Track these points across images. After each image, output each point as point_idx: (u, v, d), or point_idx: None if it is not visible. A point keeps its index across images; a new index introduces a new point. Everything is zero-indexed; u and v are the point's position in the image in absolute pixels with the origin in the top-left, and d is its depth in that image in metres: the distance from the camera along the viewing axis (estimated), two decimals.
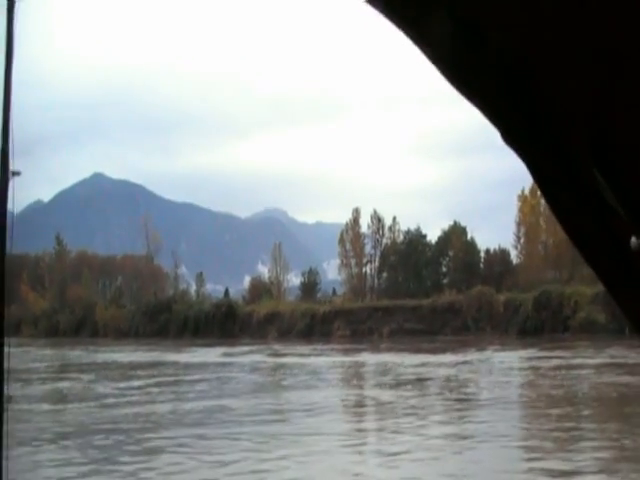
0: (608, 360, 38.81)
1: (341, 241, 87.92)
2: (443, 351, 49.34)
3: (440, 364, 40.10)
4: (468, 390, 29.20)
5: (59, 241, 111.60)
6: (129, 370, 42.17)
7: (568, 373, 33.31)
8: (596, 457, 15.84)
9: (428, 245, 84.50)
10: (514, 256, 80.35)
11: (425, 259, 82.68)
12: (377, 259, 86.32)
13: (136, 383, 33.93)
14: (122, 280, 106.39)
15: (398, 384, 31.54)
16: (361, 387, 32.94)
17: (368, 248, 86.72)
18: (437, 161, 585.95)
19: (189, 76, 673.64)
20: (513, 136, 0.97)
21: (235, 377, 36.19)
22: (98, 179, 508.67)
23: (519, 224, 78.76)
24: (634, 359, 37.73)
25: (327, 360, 45.96)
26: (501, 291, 69.76)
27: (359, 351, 52.90)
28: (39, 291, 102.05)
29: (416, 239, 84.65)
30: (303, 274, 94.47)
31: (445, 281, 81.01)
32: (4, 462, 5.64)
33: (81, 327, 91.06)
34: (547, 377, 32.63)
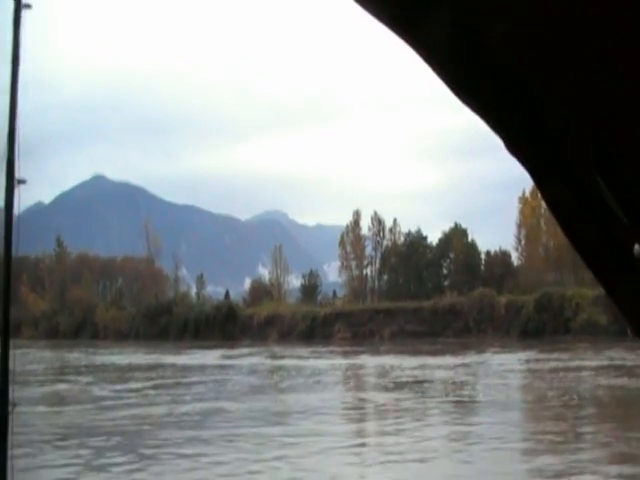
0: (606, 362, 38.81)
1: (342, 243, 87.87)
2: (443, 353, 49.29)
3: (438, 366, 40.11)
4: (464, 392, 29.24)
5: (59, 243, 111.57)
6: (127, 372, 42.16)
7: (565, 375, 33.33)
8: (587, 459, 15.93)
9: (429, 247, 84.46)
10: (515, 258, 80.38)
11: (426, 261, 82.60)
12: (378, 261, 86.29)
13: (133, 385, 33.91)
14: (122, 282, 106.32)
15: (395, 387, 31.63)
16: (358, 389, 33.07)
17: (369, 250, 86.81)
18: (438, 163, 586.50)
19: (189, 78, 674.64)
20: (516, 145, 0.96)
21: (232, 379, 36.18)
22: (99, 181, 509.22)
23: (520, 226, 78.72)
24: (632, 361, 37.79)
25: (326, 362, 45.90)
26: (502, 293, 69.67)
27: (358, 353, 52.84)
28: (39, 293, 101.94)
29: (417, 241, 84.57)
30: (303, 276, 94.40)
31: (446, 283, 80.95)
32: (9, 462, 5.70)
33: (81, 329, 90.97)
34: (544, 379, 32.70)
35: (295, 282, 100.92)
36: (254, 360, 48.98)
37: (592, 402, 25.72)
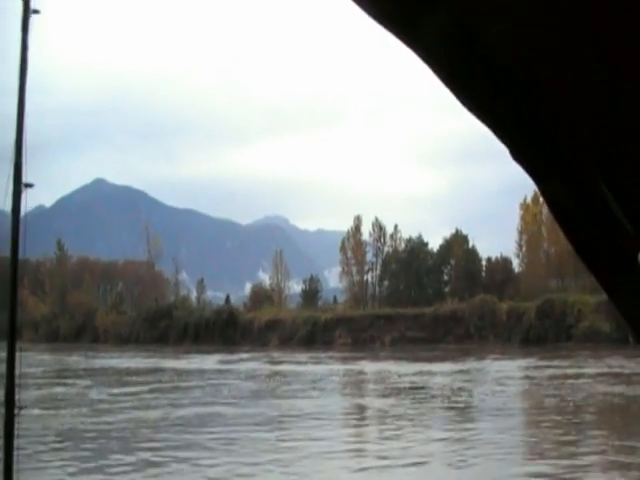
0: (605, 370, 38.82)
1: (342, 249, 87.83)
2: (442, 360, 49.26)
3: (437, 373, 40.15)
4: (459, 399, 29.29)
5: (60, 246, 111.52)
6: (125, 376, 42.23)
7: (563, 383, 33.35)
8: (578, 465, 16.02)
9: (430, 253, 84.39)
10: (516, 264, 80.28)
11: (426, 267, 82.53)
12: (378, 267, 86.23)
13: (131, 389, 33.97)
14: (123, 286, 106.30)
15: (391, 393, 31.78)
16: (354, 395, 33.21)
17: (369, 256, 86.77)
18: (439, 169, 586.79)
19: (191, 83, 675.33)
20: (516, 146, 0.95)
21: (230, 384, 36.25)
22: (99, 185, 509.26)
23: (521, 232, 78.63)
24: (631, 369, 37.80)
25: (324, 368, 45.89)
26: (503, 299, 69.58)
27: (358, 359, 52.81)
28: (40, 296, 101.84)
29: (418, 247, 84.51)
30: (304, 281, 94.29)
31: (446, 289, 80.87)
32: (14, 465, 5.68)
33: (81, 332, 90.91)
34: (541, 387, 32.79)
35: (296, 287, 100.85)
36: (252, 365, 48.99)
37: (587, 410, 25.73)
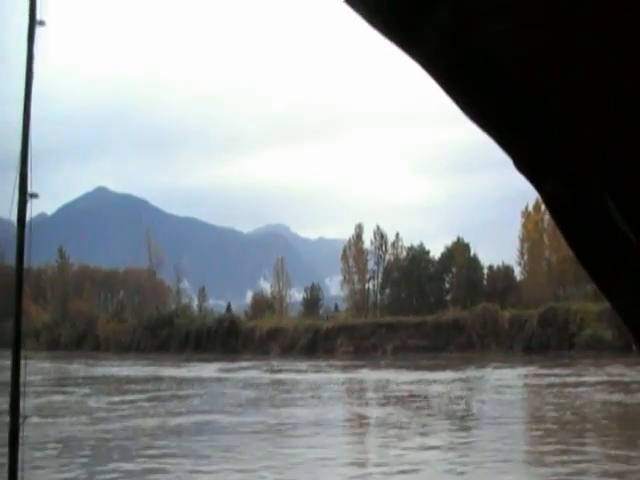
0: (605, 378, 38.80)
1: (344, 257, 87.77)
2: (443, 368, 49.21)
3: (436, 381, 40.14)
4: (456, 407, 29.36)
5: (61, 254, 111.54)
6: (124, 384, 42.29)
7: (561, 391, 33.36)
8: (567, 472, 16.14)
9: (431, 261, 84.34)
10: (518, 273, 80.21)
11: (428, 275, 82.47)
12: (380, 275, 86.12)
13: (129, 397, 34.00)
14: (124, 294, 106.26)
15: (388, 401, 31.91)
16: (351, 404, 33.37)
17: (371, 264, 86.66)
18: (440, 177, 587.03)
19: (192, 92, 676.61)
20: (523, 160, 0.95)
21: (228, 393, 36.31)
22: (101, 193, 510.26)
23: (523, 240, 78.56)
24: (631, 377, 37.80)
25: (323, 377, 45.86)
26: (505, 308, 69.50)
27: (358, 368, 52.74)
28: (41, 304, 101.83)
29: (419, 255, 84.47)
30: (305, 290, 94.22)
31: (448, 297, 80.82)
32: (19, 473, 5.70)
33: (82, 341, 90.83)
34: (539, 395, 32.85)
35: (297, 296, 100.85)
36: (251, 374, 49.01)
37: (583, 418, 25.72)
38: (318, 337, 73.79)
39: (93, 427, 24.29)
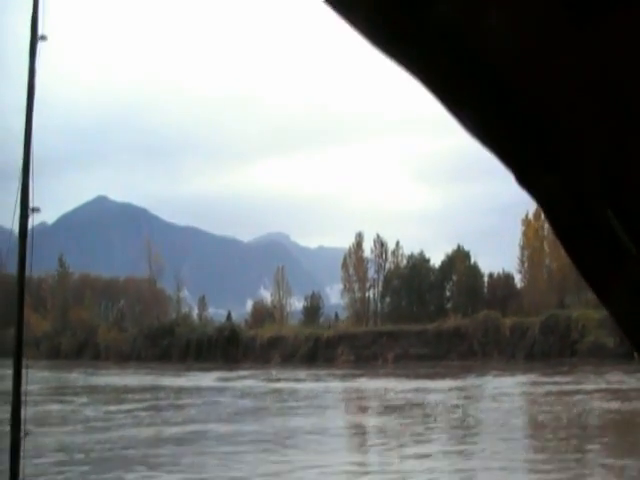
0: (604, 386, 38.77)
1: (344, 265, 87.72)
2: (443, 376, 49.17)
3: (434, 390, 40.13)
4: (452, 416, 29.37)
5: (62, 263, 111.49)
6: (122, 394, 42.25)
7: (559, 399, 33.36)
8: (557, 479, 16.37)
9: (431, 269, 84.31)
10: (518, 280, 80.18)
11: (428, 283, 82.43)
12: (380, 283, 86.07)
13: (126, 407, 34.01)
14: (124, 303, 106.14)
15: (384, 410, 32.06)
16: (347, 412, 33.70)
17: (371, 272, 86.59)
18: (440, 185, 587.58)
19: (193, 101, 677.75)
20: (528, 179, 0.93)
21: (225, 402, 36.36)
22: (101, 202, 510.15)
23: (523, 248, 78.58)
24: (629, 385, 37.77)
25: (322, 386, 45.83)
26: (506, 315, 69.44)
27: (357, 377, 52.67)
28: (41, 313, 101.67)
29: (419, 263, 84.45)
30: (306, 298, 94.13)
31: (448, 305, 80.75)
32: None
33: (83, 349, 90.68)
34: (536, 403, 32.91)
35: (297, 304, 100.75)
36: (249, 383, 49.00)
37: (578, 426, 25.73)
38: (318, 346, 73.69)
39: (88, 436, 24.33)
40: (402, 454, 20.15)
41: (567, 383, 41.17)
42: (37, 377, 52.80)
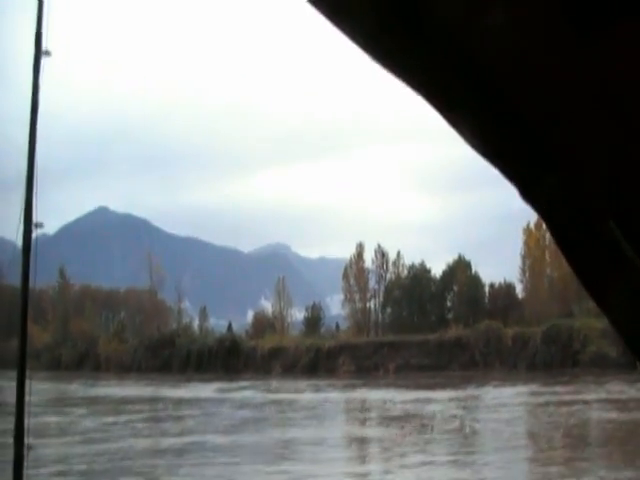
0: (604, 396, 38.73)
1: (345, 276, 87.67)
2: (443, 387, 49.10)
3: (433, 400, 40.09)
4: (447, 427, 29.43)
5: (62, 274, 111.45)
6: (121, 405, 42.24)
7: (557, 409, 33.28)
8: None
9: (432, 279, 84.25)
10: (519, 290, 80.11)
11: (429, 293, 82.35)
12: (381, 294, 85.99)
13: (124, 418, 33.98)
14: (125, 314, 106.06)
15: (381, 421, 32.19)
16: (344, 423, 33.64)
17: (372, 283, 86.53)
18: (441, 195, 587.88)
19: (193, 112, 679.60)
20: (527, 187, 0.92)
21: (223, 413, 36.36)
22: (102, 213, 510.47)
23: (524, 257, 78.55)
24: (628, 395, 37.73)
25: (321, 396, 45.78)
26: (507, 325, 69.30)
27: (357, 387, 52.55)
28: (42, 324, 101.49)
29: (420, 273, 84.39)
30: (307, 309, 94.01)
31: (449, 316, 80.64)
32: None
33: (83, 361, 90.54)
34: (533, 414, 32.90)
35: (298, 315, 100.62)
36: (249, 394, 48.93)
37: (573, 436, 25.72)
38: (320, 356, 73.55)
39: (85, 447, 24.47)
40: (397, 464, 20.38)
41: (567, 393, 41.09)
42: (37, 389, 52.84)
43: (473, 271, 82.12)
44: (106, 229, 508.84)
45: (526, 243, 78.06)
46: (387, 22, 0.84)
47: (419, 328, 75.32)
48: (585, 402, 35.71)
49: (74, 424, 31.99)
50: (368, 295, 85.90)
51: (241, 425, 31.13)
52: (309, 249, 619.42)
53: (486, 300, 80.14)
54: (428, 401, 39.63)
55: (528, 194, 0.92)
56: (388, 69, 0.87)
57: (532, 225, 75.58)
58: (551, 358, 62.16)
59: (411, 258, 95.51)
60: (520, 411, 35.36)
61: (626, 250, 0.91)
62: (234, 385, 56.72)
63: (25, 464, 5.54)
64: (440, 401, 39.42)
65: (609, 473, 18.26)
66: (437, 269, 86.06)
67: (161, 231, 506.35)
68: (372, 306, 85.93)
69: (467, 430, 28.16)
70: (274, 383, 59.14)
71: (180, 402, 43.68)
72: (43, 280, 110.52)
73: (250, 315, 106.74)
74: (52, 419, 33.95)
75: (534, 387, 46.69)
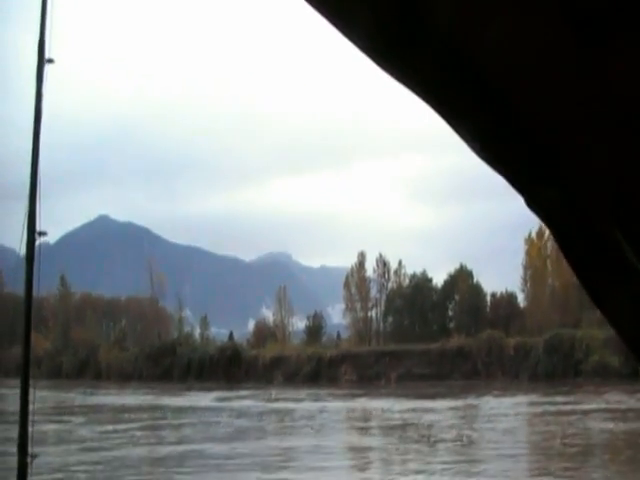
0: (603, 405, 38.69)
1: (346, 285, 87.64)
2: (444, 396, 49.03)
3: (432, 410, 40.08)
4: (444, 436, 29.44)
5: (63, 282, 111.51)
6: (120, 413, 42.23)
7: (555, 419, 33.24)
8: None
9: (434, 289, 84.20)
10: (521, 299, 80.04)
11: (431, 303, 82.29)
12: (382, 303, 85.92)
13: (122, 426, 34.00)
14: (126, 322, 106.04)
15: (378, 430, 32.24)
16: (342, 433, 33.47)
17: (373, 292, 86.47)
18: (442, 204, 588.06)
19: (194, 121, 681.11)
20: (530, 194, 0.93)
21: (221, 422, 36.34)
22: (103, 221, 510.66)
23: (526, 267, 78.49)
24: (627, 404, 37.70)
25: (320, 406, 45.71)
26: (509, 335, 69.20)
27: (357, 396, 52.43)
28: (43, 332, 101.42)
29: (422, 283, 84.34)
30: (308, 318, 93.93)
31: (451, 325, 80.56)
32: None
33: (84, 369, 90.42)
34: (531, 424, 32.88)
35: (299, 324, 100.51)
36: (248, 403, 48.84)
37: (568, 446, 25.64)
38: (321, 365, 73.43)
39: (82, 456, 24.48)
40: (393, 472, 20.58)
41: (566, 403, 41.03)
42: (36, 397, 52.79)
43: (475, 280, 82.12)
44: (107, 238, 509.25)
45: (528, 253, 78.03)
46: (385, 22, 0.84)
47: (421, 337, 75.24)
48: (583, 412, 35.68)
49: (72, 433, 32.00)
50: (369, 304, 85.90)
51: (240, 434, 31.14)
52: (310, 258, 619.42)
53: (488, 309, 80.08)
54: (427, 410, 39.64)
55: (530, 198, 0.92)
56: (387, 71, 0.87)
57: (534, 235, 75.67)
58: (553, 368, 62.00)
59: (413, 267, 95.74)
60: (518, 421, 35.35)
61: (628, 254, 0.91)
62: (233, 394, 56.67)
63: (30, 471, 5.51)
64: (439, 411, 39.43)
65: None
66: (439, 278, 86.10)
67: (162, 240, 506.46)
68: (373, 315, 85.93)
69: (464, 439, 28.20)
70: (274, 392, 59.03)
71: (179, 411, 43.66)
72: (44, 288, 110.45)
73: (251, 324, 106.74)
74: (50, 427, 33.95)
75: (534, 397, 46.64)
